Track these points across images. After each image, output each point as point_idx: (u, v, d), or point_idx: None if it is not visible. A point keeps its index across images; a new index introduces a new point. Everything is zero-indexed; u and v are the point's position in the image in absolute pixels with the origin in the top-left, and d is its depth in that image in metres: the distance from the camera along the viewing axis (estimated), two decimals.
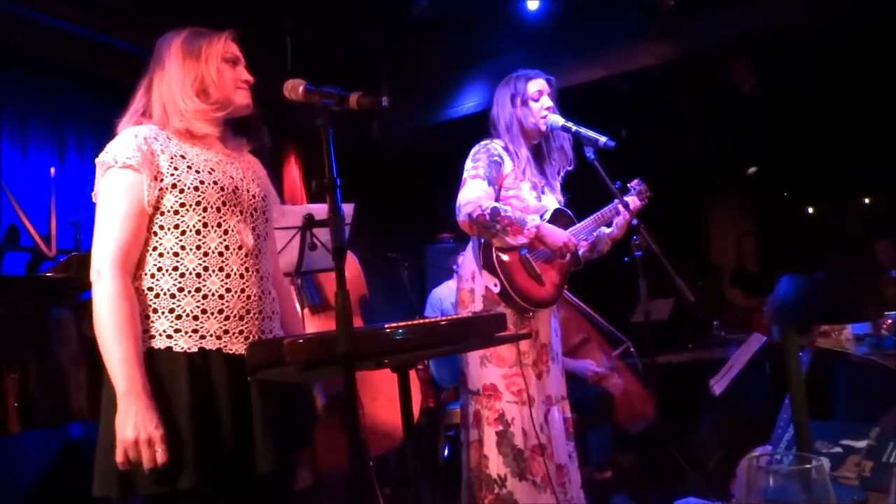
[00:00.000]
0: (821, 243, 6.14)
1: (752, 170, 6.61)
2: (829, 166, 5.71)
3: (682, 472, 3.04)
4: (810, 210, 7.01)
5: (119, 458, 1.32)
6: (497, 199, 2.30)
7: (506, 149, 2.36)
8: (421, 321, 1.47)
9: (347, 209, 2.57)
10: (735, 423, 3.30)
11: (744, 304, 5.33)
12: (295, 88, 1.39)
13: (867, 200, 6.67)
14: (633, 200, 2.53)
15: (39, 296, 2.16)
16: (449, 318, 1.81)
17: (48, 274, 2.39)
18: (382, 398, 2.93)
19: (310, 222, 1.91)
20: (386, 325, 1.33)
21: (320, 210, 2.46)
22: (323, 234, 2.52)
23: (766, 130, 5.50)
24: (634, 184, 2.60)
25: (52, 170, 3.05)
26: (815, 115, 5.09)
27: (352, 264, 3.19)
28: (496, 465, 2.22)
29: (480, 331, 1.56)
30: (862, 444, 1.57)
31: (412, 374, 1.53)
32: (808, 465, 0.75)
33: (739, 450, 2.78)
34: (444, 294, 4.39)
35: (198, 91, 1.54)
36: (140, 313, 1.41)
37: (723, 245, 6.73)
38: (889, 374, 2.11)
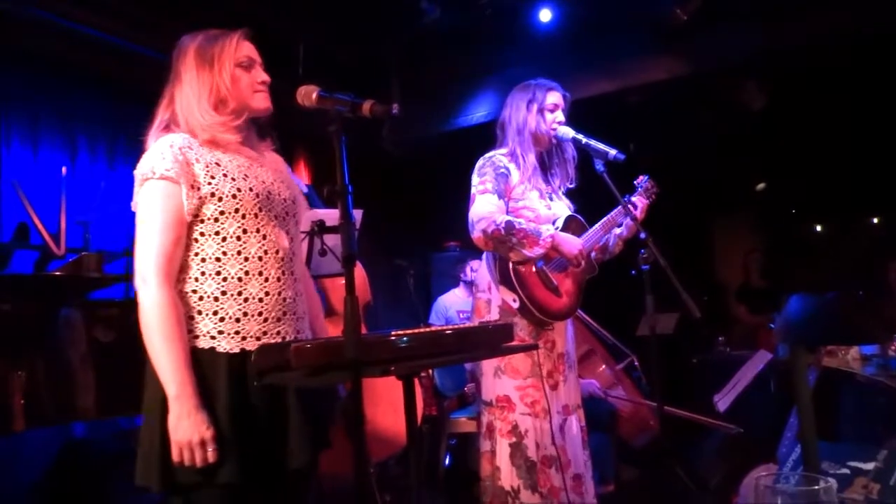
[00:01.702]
0: (828, 262, 6.11)
1: (761, 186, 6.59)
2: (837, 184, 5.69)
3: (684, 488, 3.02)
4: (818, 228, 6.98)
5: (175, 457, 1.39)
6: (507, 212, 2.30)
7: (512, 155, 2.36)
8: (427, 329, 1.47)
9: (356, 215, 2.57)
10: (738, 440, 3.28)
11: (749, 320, 5.31)
12: (308, 94, 1.40)
13: (875, 220, 6.64)
14: (640, 199, 2.52)
15: (47, 294, 2.17)
16: (455, 326, 1.81)
17: (56, 273, 2.40)
18: (384, 404, 2.92)
19: (320, 228, 1.92)
20: (392, 333, 1.33)
21: (328, 215, 2.46)
22: (330, 240, 2.52)
23: (775, 147, 5.49)
24: (641, 181, 2.58)
25: (63, 169, 3.07)
26: (824, 132, 5.08)
27: (358, 271, 3.19)
28: (509, 477, 2.21)
29: (487, 341, 1.56)
30: (870, 466, 1.56)
31: (415, 381, 1.53)
32: (815, 486, 0.75)
33: (742, 467, 2.77)
34: (449, 302, 4.40)
35: (215, 103, 1.56)
36: (185, 314, 1.47)
37: (729, 261, 6.69)
38: None
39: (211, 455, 1.39)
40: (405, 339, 1.31)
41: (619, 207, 2.40)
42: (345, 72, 4.75)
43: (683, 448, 3.50)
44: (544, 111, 2.36)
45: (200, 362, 1.45)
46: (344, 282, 1.27)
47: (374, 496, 2.81)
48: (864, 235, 6.62)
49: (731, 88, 4.70)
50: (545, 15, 4.47)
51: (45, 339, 2.06)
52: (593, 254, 2.47)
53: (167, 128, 1.58)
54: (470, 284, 4.19)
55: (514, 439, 2.23)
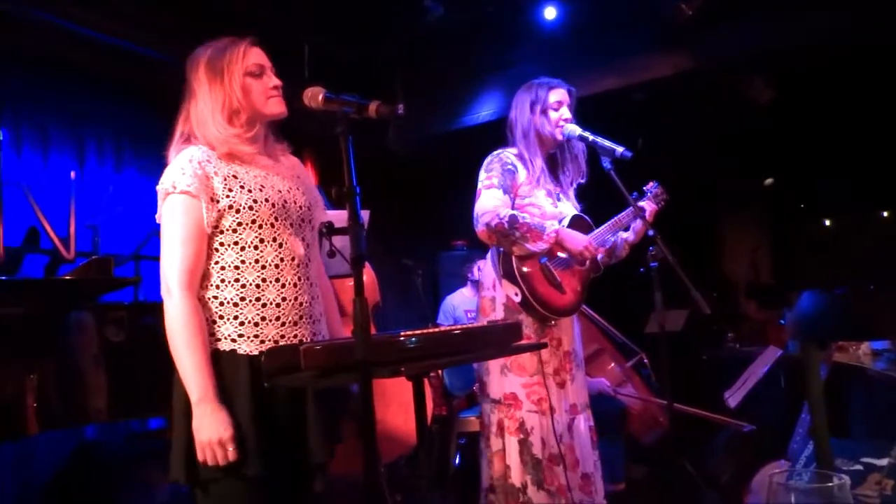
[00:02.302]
0: (837, 257, 6.07)
1: (769, 181, 6.56)
2: (846, 179, 5.66)
3: (695, 486, 3.01)
4: (827, 223, 6.94)
5: (200, 457, 1.47)
6: (513, 208, 2.30)
7: (520, 156, 2.36)
8: (436, 329, 1.47)
9: (363, 216, 2.57)
10: (748, 437, 3.27)
11: (759, 316, 5.29)
12: (315, 96, 1.41)
13: (885, 213, 6.59)
14: (648, 204, 2.51)
15: (58, 298, 2.18)
16: (463, 326, 1.81)
17: (67, 276, 2.41)
18: (395, 405, 2.92)
19: (328, 229, 1.93)
20: (401, 333, 1.33)
21: (336, 216, 2.47)
22: (338, 241, 2.52)
23: (783, 141, 5.46)
24: (650, 186, 2.58)
25: (72, 173, 3.08)
26: (832, 126, 5.05)
27: (366, 272, 3.19)
28: (518, 474, 2.22)
29: (496, 340, 1.56)
30: (883, 462, 1.55)
31: (424, 381, 1.54)
32: (829, 483, 0.74)
33: (753, 464, 2.76)
34: (457, 301, 4.40)
35: (229, 116, 1.61)
36: (207, 319, 1.55)
37: (738, 257, 6.67)
38: None
39: (231, 454, 1.46)
40: (414, 339, 1.31)
41: (629, 209, 2.39)
42: (348, 72, 4.75)
43: (694, 445, 3.49)
44: (548, 110, 2.36)
45: (222, 364, 1.53)
46: (353, 283, 1.27)
47: (385, 496, 2.81)
48: (873, 230, 6.58)
49: (737, 84, 4.67)
50: (550, 13, 4.46)
51: (57, 343, 2.07)
52: (599, 255, 2.46)
53: (187, 140, 1.63)
54: (477, 283, 4.19)
55: (521, 436, 2.24)
